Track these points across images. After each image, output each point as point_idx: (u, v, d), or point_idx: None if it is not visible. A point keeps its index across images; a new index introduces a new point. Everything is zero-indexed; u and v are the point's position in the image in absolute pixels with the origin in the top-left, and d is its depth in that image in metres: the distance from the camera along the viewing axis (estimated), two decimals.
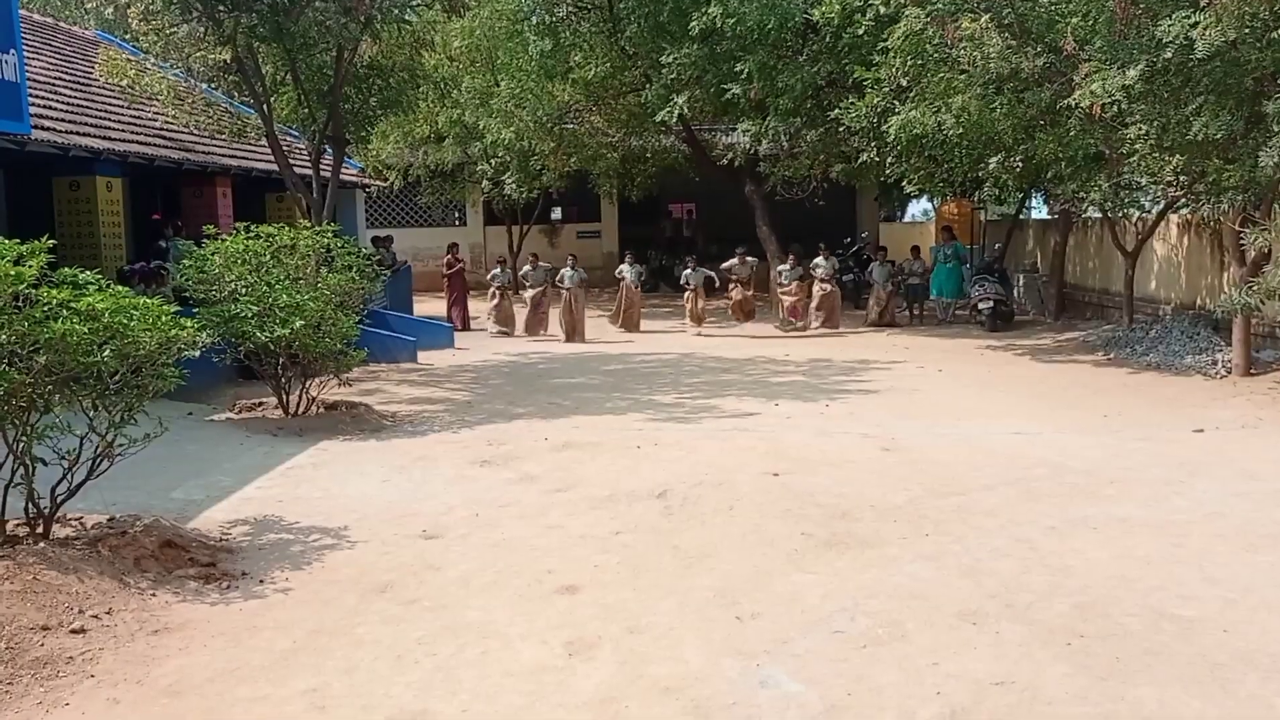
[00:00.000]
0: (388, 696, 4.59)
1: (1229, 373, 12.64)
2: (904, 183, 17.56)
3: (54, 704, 4.48)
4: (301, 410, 11.10)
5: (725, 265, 19.16)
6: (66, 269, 6.47)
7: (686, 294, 19.13)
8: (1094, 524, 7.00)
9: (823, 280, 18.89)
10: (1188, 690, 4.53)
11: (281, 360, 10.80)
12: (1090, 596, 5.67)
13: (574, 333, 18.16)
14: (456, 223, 29.11)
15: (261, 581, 6.13)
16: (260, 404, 11.61)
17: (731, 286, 19.09)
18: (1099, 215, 17.38)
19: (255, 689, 4.66)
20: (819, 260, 19.06)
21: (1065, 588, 5.81)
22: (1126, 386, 12.82)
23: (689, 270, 18.87)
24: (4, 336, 5.87)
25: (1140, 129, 11.37)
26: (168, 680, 4.75)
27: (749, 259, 19.21)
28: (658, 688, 4.64)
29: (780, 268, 19.45)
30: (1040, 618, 5.38)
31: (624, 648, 5.13)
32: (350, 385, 11.56)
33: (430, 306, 21.79)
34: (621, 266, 19.59)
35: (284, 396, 11.05)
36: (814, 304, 18.77)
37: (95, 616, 5.27)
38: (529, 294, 19.32)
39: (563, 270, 18.59)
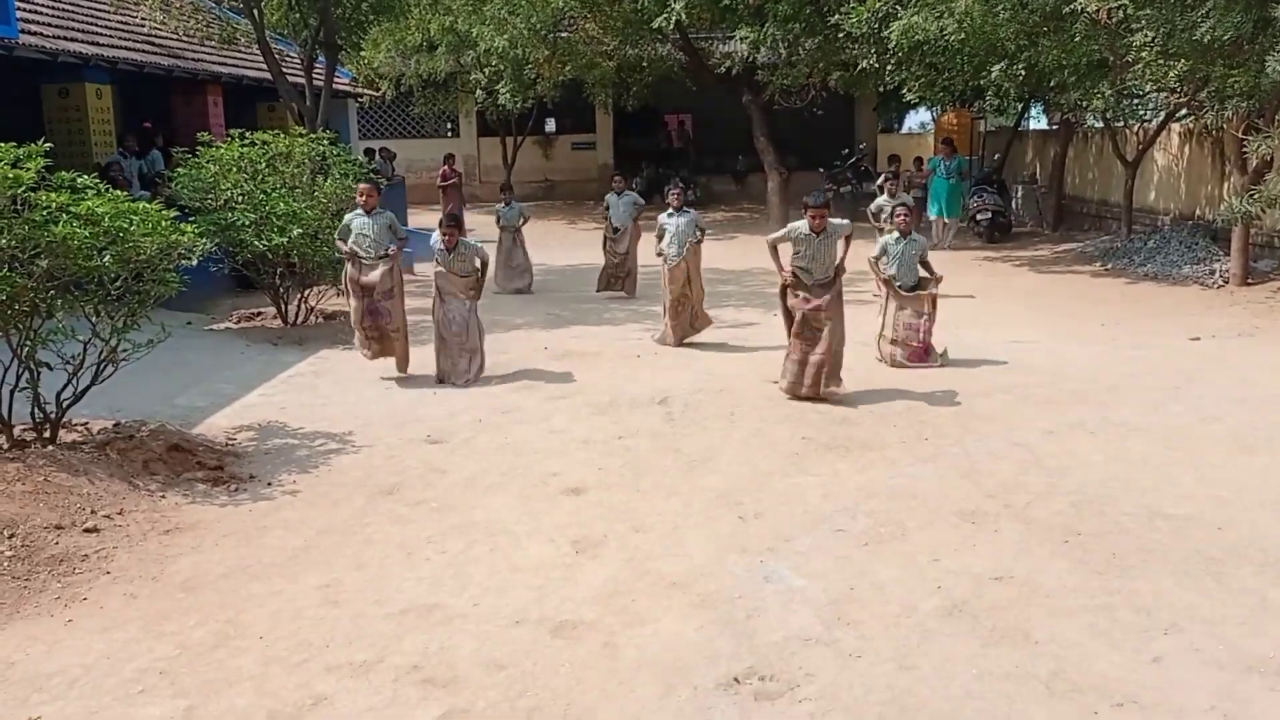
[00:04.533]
0: (399, 591, 4.67)
1: (1226, 282, 12.65)
2: (904, 91, 17.26)
3: (72, 599, 4.56)
4: (300, 320, 11.10)
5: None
6: (64, 173, 6.39)
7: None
8: (1091, 428, 7.08)
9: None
10: (1181, 584, 4.64)
11: (279, 270, 10.75)
12: (1087, 496, 5.76)
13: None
14: (449, 134, 28.67)
15: (269, 484, 6.19)
16: (259, 314, 11.58)
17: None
18: (1100, 125, 17.17)
19: (269, 584, 4.75)
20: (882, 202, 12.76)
21: (1062, 488, 5.90)
22: (1124, 296, 12.83)
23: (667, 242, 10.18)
24: (4, 240, 5.83)
25: (1146, 34, 11.17)
26: (182, 576, 4.83)
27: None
28: (664, 582, 4.74)
29: (880, 201, 12.52)
30: (1038, 516, 5.48)
31: (630, 545, 5.22)
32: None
33: (423, 219, 21.60)
34: (608, 197, 13.44)
35: (283, 306, 11.03)
36: None
37: (107, 517, 5.33)
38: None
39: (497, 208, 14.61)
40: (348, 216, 9.04)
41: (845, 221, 8.31)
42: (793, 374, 7.85)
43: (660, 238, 10.11)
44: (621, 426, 7.37)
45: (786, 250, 8.05)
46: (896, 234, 9.35)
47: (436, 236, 8.91)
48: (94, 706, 3.68)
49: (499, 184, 16.39)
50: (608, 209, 13.45)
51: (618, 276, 13.38)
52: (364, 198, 8.89)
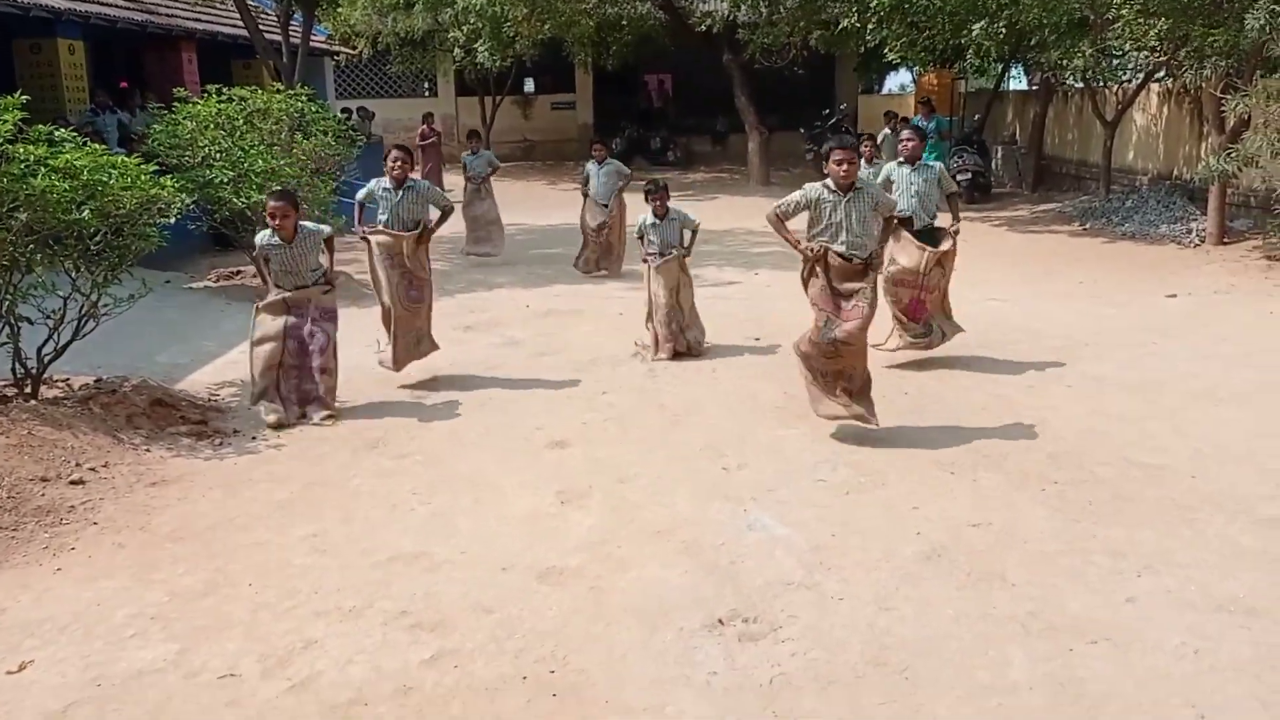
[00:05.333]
0: (386, 541, 4.71)
1: (1203, 241, 12.76)
2: (885, 50, 17.22)
3: (60, 548, 4.58)
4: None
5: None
6: (40, 126, 6.32)
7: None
8: (1069, 383, 7.17)
9: None
10: (1156, 530, 4.73)
11: (258, 228, 10.66)
12: (1064, 447, 5.85)
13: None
14: (427, 93, 28.43)
15: (253, 438, 6.20)
16: (238, 272, 11.52)
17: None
18: (1080, 85, 17.20)
19: (256, 535, 4.78)
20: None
21: (1040, 440, 5.99)
22: (1102, 256, 12.93)
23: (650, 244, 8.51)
24: None
25: None
26: (169, 527, 4.85)
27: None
28: (649, 531, 4.79)
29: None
30: (1016, 467, 5.56)
31: (615, 496, 5.27)
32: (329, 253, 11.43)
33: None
34: (587, 167, 11.96)
35: (262, 264, 10.95)
36: None
37: (93, 469, 5.34)
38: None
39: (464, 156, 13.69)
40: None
41: (882, 170, 7.30)
42: (814, 395, 6.08)
43: (642, 240, 8.50)
44: (605, 382, 7.41)
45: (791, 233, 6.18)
46: (900, 161, 7.79)
47: (375, 183, 7.57)
48: (86, 651, 3.71)
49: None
50: (586, 181, 11.87)
51: (602, 255, 11.85)
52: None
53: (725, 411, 6.67)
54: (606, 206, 11.63)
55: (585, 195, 11.81)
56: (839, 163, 5.87)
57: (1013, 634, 3.81)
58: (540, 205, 18.52)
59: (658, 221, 8.42)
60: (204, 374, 7.68)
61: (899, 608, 4.02)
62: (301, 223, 6.81)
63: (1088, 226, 14.94)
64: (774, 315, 9.34)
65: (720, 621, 3.91)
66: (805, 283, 6.03)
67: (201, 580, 4.28)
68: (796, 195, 6.01)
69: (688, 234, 8.53)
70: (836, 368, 5.96)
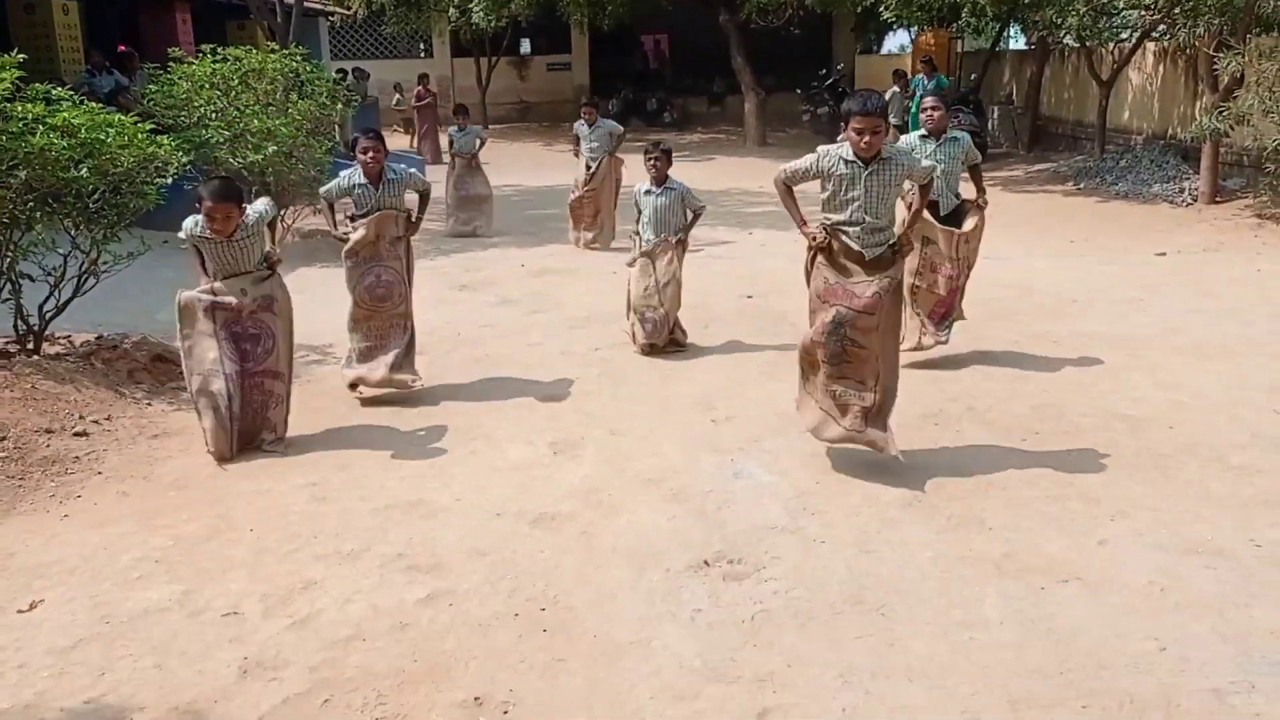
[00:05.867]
0: (383, 489, 4.84)
1: (1195, 200, 12.84)
2: (881, 9, 17.19)
3: (66, 496, 4.71)
4: (278, 238, 11.10)
5: None
6: (37, 85, 6.38)
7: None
8: (1056, 338, 7.28)
9: None
10: (1131, 477, 4.86)
11: (255, 188, 10.72)
12: (1047, 400, 5.98)
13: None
14: (423, 54, 28.30)
15: None
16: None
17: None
18: (1075, 45, 17.17)
19: (257, 484, 4.90)
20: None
21: (1023, 392, 6.12)
22: (1095, 215, 13.01)
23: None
24: None
25: None
26: (172, 476, 4.98)
27: None
28: (640, 479, 4.93)
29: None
30: (999, 419, 5.69)
31: (607, 447, 5.40)
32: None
33: (398, 141, 21.44)
34: (577, 128, 11.47)
35: None
36: None
37: (95, 422, 5.45)
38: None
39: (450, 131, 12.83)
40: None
41: (912, 140, 6.54)
42: (816, 416, 4.99)
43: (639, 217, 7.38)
44: (598, 340, 7.52)
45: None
46: (923, 134, 6.79)
47: (346, 177, 6.27)
48: (94, 591, 3.85)
49: (473, 106, 15.75)
50: (578, 142, 11.35)
51: (588, 225, 11.18)
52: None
53: (716, 367, 6.79)
54: (602, 154, 11.07)
55: (580, 158, 11.26)
56: (859, 132, 4.63)
57: (987, 574, 3.95)
58: (536, 167, 18.56)
59: (654, 190, 7.23)
60: None
61: (879, 550, 4.15)
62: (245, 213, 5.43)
63: (1082, 186, 15.00)
64: (767, 274, 9.46)
65: (706, 563, 4.05)
66: (808, 275, 4.92)
67: (204, 526, 4.41)
68: (808, 159, 4.91)
69: (689, 214, 7.33)
70: (846, 374, 4.82)
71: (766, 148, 20.59)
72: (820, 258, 4.86)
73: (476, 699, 3.18)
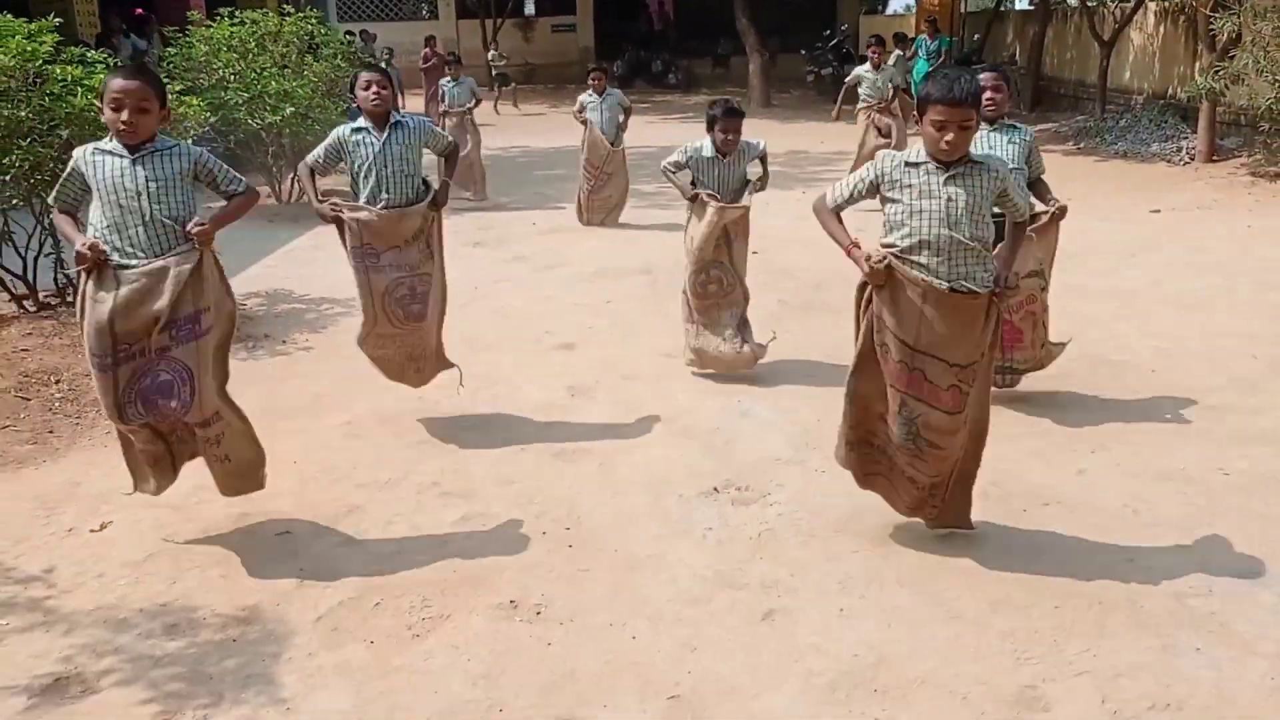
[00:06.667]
0: (414, 427, 5.19)
1: (1192, 159, 13.08)
2: None
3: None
4: (294, 198, 11.41)
5: None
6: (73, 47, 6.67)
7: None
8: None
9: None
10: (1113, 415, 5.20)
11: (272, 148, 11.02)
12: None
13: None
14: (428, 16, 28.41)
15: (284, 341, 6.67)
16: None
17: None
18: (1077, 4, 17.32)
19: (296, 422, 5.26)
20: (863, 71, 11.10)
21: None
22: (1093, 174, 13.25)
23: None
24: (25, 112, 6.15)
25: None
26: None
27: None
28: (652, 418, 5.28)
29: (860, 72, 11.08)
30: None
31: (620, 390, 5.74)
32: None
33: (408, 104, 21.63)
34: (582, 98, 10.40)
35: (276, 185, 11.33)
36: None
37: None
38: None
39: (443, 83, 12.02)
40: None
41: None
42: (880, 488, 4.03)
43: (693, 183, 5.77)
44: (608, 293, 7.84)
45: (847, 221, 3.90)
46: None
47: (342, 131, 4.93)
48: (156, 515, 4.21)
49: (478, 68, 15.52)
50: (581, 110, 10.30)
51: (599, 207, 10.37)
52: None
53: None
54: (614, 145, 10.24)
55: (583, 123, 10.30)
56: (940, 126, 3.41)
57: (975, 499, 4.29)
58: (544, 128, 18.77)
59: (718, 157, 5.71)
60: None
61: None
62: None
63: (1081, 146, 15.23)
64: (772, 230, 9.71)
65: (716, 489, 4.41)
66: (858, 323, 3.76)
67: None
68: (862, 173, 3.67)
69: (754, 173, 5.94)
70: (918, 469, 3.77)
71: (771, 109, 20.76)
72: (877, 303, 3.59)
73: (512, 602, 3.55)
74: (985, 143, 4.94)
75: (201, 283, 3.71)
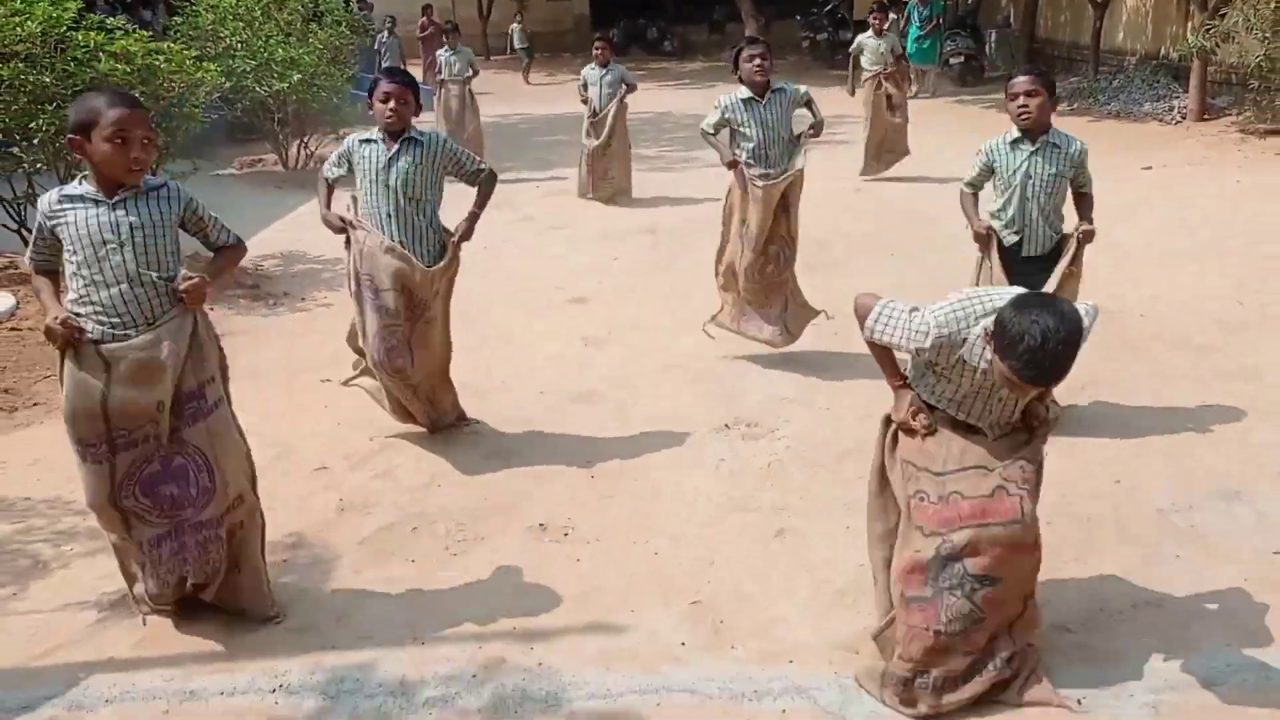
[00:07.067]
0: None
1: (1184, 118, 13.27)
2: None
3: None
4: (301, 165, 11.59)
5: None
6: (93, 14, 6.84)
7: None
8: None
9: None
10: (1104, 358, 5.45)
11: (279, 116, 11.18)
12: None
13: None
14: None
15: (303, 299, 6.90)
16: (259, 160, 12.06)
17: None
18: None
19: (321, 374, 5.50)
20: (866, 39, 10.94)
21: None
22: (1085, 133, 13.24)
23: None
24: (49, 78, 6.33)
25: None
26: (246, 369, 5.55)
27: None
28: (660, 365, 5.53)
29: (863, 39, 10.95)
30: None
31: (629, 341, 5.99)
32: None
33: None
34: (585, 72, 9.92)
35: (284, 152, 11.51)
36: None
37: None
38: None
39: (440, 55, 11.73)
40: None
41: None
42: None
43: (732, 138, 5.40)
44: (615, 252, 8.06)
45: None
46: (1012, 134, 4.52)
47: (353, 140, 4.44)
48: None
49: (474, 38, 15.42)
50: (585, 87, 9.88)
51: (598, 180, 9.92)
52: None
53: None
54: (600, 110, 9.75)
55: (588, 104, 9.84)
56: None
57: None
58: (541, 97, 18.90)
59: (754, 99, 5.26)
60: None
61: (877, 414, 4.74)
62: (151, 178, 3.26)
63: (1075, 106, 15.39)
64: None
65: (726, 426, 4.66)
66: (889, 459, 3.27)
67: (284, 404, 5.02)
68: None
69: (802, 125, 5.46)
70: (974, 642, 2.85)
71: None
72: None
73: (541, 525, 3.81)
74: (1023, 169, 4.47)
75: (200, 351, 3.25)
